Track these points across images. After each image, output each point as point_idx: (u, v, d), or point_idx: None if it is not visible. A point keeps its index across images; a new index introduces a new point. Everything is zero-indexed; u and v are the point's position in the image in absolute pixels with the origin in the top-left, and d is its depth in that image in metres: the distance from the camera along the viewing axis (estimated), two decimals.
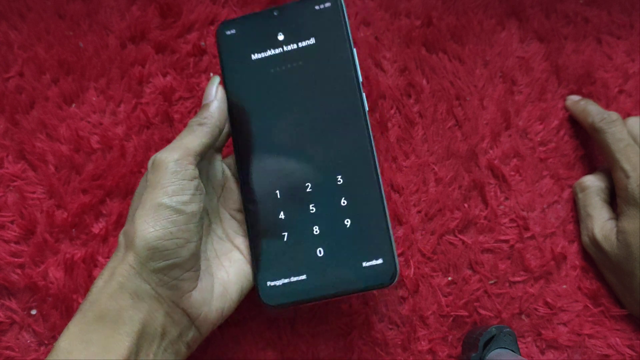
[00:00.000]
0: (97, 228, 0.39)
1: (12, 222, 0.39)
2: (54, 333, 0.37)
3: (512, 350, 0.36)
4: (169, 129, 0.41)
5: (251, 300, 0.34)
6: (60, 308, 0.38)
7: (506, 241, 0.40)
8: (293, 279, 0.33)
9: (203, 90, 0.41)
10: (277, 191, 0.34)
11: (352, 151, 0.33)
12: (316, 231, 0.33)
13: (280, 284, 0.33)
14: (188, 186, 0.30)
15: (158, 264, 0.29)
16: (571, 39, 0.44)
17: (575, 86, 0.43)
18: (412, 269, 0.39)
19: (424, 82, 0.42)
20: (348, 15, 0.37)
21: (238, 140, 0.35)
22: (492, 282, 0.40)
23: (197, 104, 0.41)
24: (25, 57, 0.41)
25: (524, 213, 0.41)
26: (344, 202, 0.33)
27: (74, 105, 0.41)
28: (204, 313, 0.31)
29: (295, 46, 0.35)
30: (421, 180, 0.41)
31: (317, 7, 0.35)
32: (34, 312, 0.38)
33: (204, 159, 0.34)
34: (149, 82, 0.41)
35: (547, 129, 0.42)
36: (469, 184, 0.41)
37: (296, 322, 0.39)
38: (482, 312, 0.39)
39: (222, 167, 0.36)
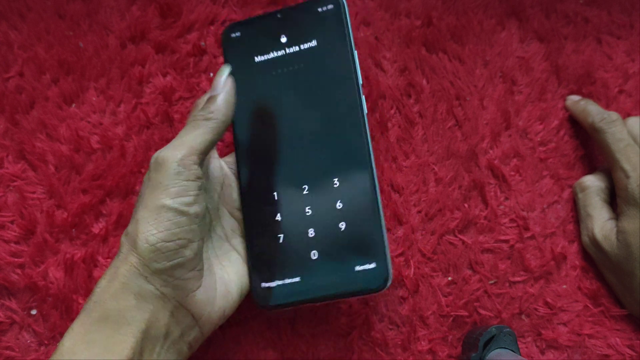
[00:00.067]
0: (97, 228, 0.39)
1: (12, 222, 0.39)
2: (54, 333, 0.37)
3: (512, 350, 0.36)
4: (169, 129, 0.41)
5: (251, 301, 0.34)
6: (60, 308, 0.38)
7: (506, 241, 0.40)
8: (287, 280, 0.33)
9: (203, 91, 0.41)
10: (275, 193, 0.34)
11: (349, 155, 0.33)
12: (311, 234, 0.33)
13: (274, 285, 0.33)
14: (191, 187, 0.30)
15: (161, 265, 0.29)
16: (571, 39, 0.44)
17: (575, 86, 0.43)
18: (412, 269, 0.39)
19: (424, 82, 0.42)
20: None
21: (240, 140, 0.35)
22: (492, 282, 0.40)
23: None
24: (25, 57, 0.41)
25: (524, 213, 0.41)
26: (339, 205, 0.33)
27: (74, 105, 0.41)
28: (208, 313, 0.31)
29: (297, 48, 0.35)
30: (421, 180, 0.41)
31: (319, 10, 0.35)
32: (34, 312, 0.38)
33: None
34: (149, 82, 0.41)
35: (547, 129, 0.42)
36: (469, 184, 0.41)
37: (296, 322, 0.39)
38: (482, 312, 0.39)
39: (220, 164, 0.35)
